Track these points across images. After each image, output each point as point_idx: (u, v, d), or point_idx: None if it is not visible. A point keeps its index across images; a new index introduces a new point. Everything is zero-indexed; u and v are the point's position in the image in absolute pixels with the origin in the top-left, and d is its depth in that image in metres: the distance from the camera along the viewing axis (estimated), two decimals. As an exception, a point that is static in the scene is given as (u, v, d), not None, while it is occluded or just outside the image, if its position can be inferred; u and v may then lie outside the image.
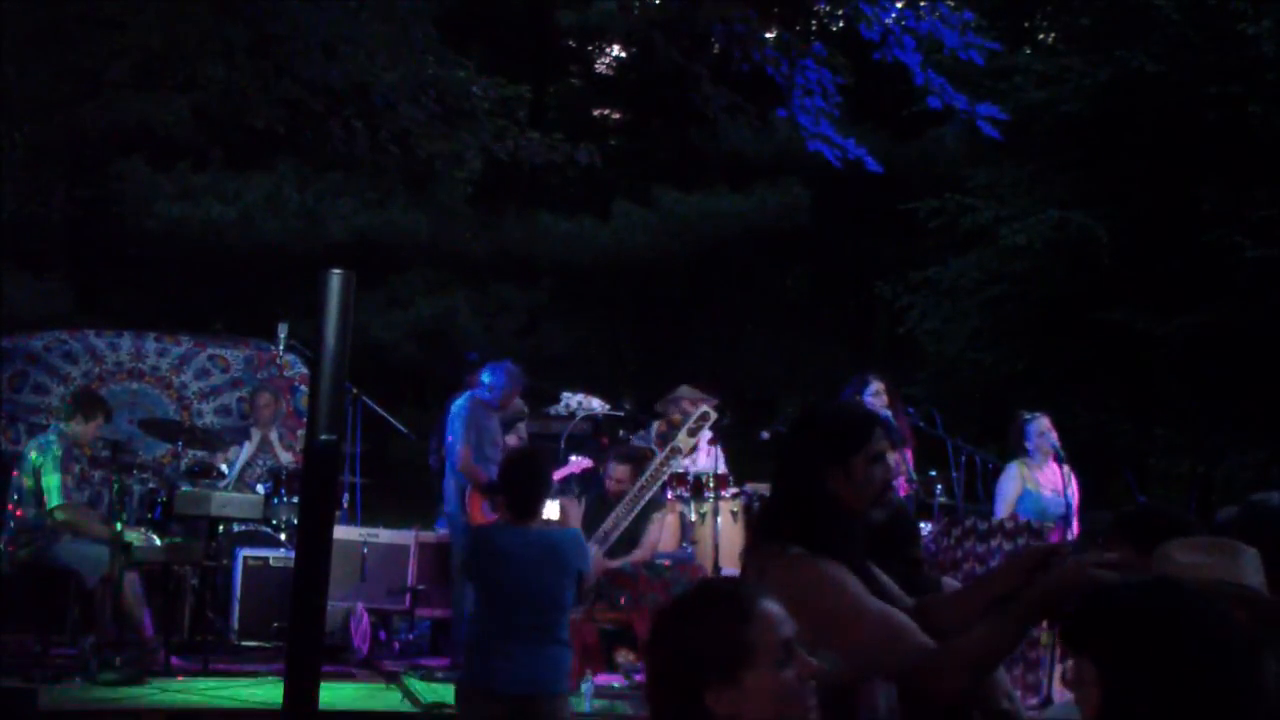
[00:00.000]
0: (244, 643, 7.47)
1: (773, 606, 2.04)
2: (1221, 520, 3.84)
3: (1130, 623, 1.93)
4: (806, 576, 2.57)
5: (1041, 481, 7.25)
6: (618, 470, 7.04)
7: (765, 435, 8.59)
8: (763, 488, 8.30)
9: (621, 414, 9.48)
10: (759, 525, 2.86)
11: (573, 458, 7.91)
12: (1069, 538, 7.01)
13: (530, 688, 4.47)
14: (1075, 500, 7.23)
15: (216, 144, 15.06)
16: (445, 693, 5.77)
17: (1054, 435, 7.21)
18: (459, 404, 7.70)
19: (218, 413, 9.15)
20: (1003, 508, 7.19)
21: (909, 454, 7.15)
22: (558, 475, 7.73)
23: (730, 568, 7.73)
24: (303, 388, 8.83)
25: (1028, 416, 7.34)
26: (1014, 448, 7.42)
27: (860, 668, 2.56)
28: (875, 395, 7.10)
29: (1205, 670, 1.87)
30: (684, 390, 8.17)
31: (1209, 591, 2.44)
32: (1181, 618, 1.91)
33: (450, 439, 7.65)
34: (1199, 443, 13.09)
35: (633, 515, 6.81)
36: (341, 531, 7.12)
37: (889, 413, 7.04)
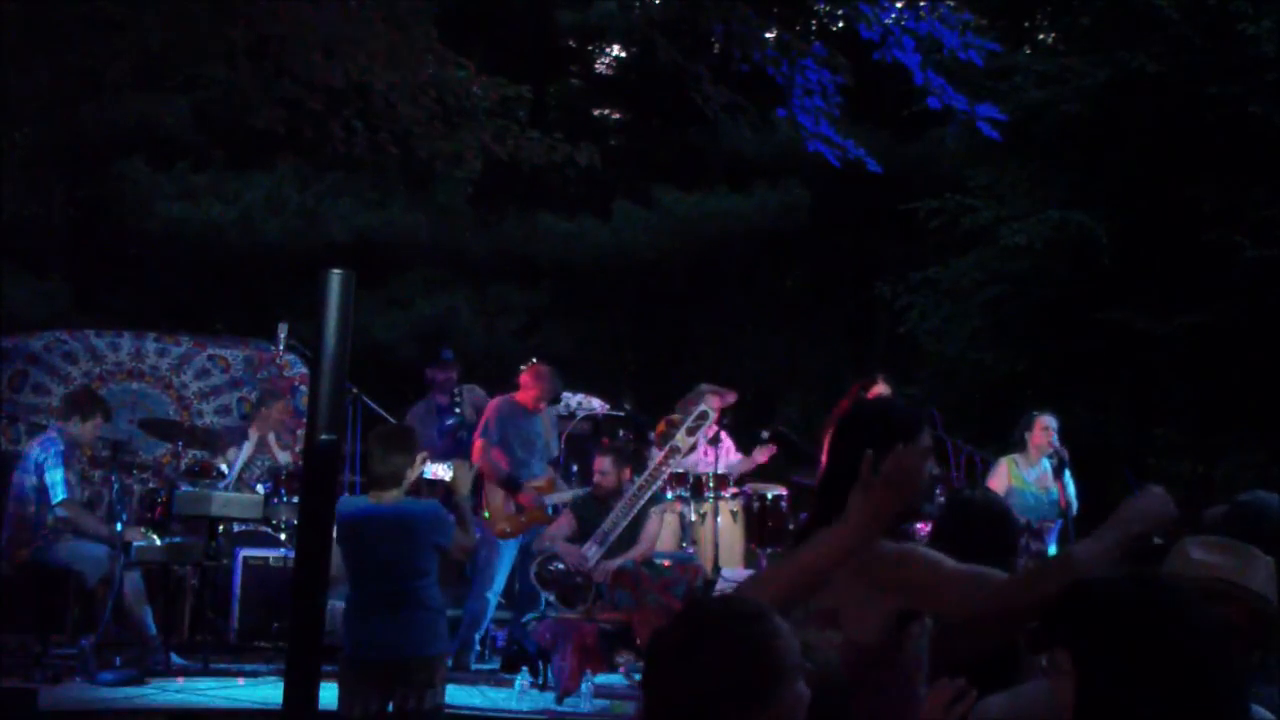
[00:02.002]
0: (244, 643, 7.47)
1: (783, 623, 2.01)
2: (1208, 519, 3.84)
3: (1105, 615, 1.94)
4: (891, 555, 2.74)
5: (1029, 479, 7.25)
6: (599, 463, 7.08)
7: (765, 435, 8.59)
8: (763, 487, 8.31)
9: (621, 414, 9.49)
10: (817, 515, 2.93)
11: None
12: (1069, 537, 7.02)
13: (396, 652, 4.61)
14: (1073, 500, 7.23)
15: (216, 144, 15.09)
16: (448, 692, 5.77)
17: (1056, 437, 7.22)
18: (493, 403, 7.75)
19: (217, 413, 9.15)
20: None
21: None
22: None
23: (730, 568, 7.73)
24: (303, 388, 8.83)
25: (1036, 413, 7.36)
26: (1014, 444, 7.43)
27: (969, 617, 2.74)
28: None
29: (1178, 666, 1.88)
30: (704, 387, 8.17)
31: (1207, 590, 2.46)
32: (1157, 613, 1.93)
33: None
34: (1199, 443, 13.08)
35: (632, 515, 6.81)
36: (341, 531, 7.12)
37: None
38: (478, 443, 7.58)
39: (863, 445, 2.80)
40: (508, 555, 7.55)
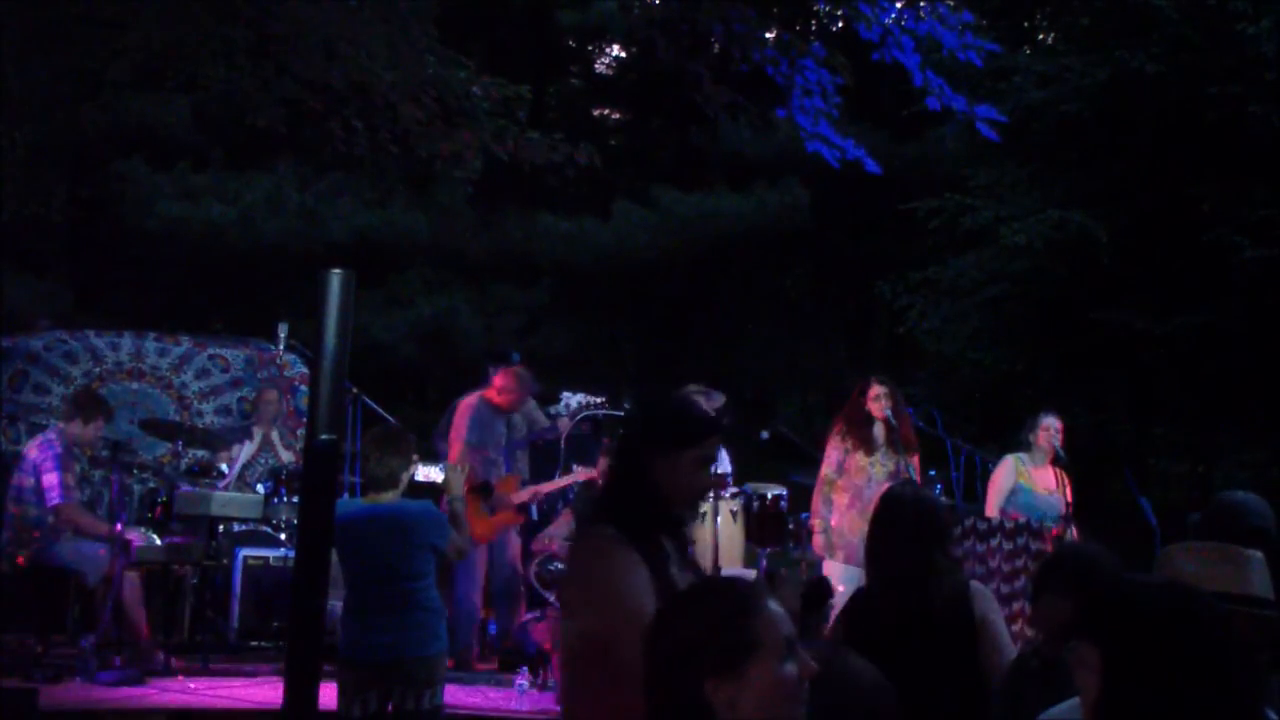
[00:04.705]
0: (244, 643, 7.48)
1: (775, 605, 2.06)
2: (1191, 525, 3.88)
3: (1139, 618, 1.97)
4: (602, 559, 2.67)
5: (1035, 479, 7.25)
6: (601, 464, 7.08)
7: (765, 435, 8.60)
8: (763, 487, 8.31)
9: (621, 414, 9.49)
10: (595, 512, 2.89)
11: (575, 467, 7.86)
12: (1069, 538, 7.01)
13: (395, 653, 4.62)
14: (1070, 502, 7.23)
15: (216, 144, 15.09)
16: (448, 692, 5.77)
17: (1059, 438, 7.21)
18: (466, 403, 7.73)
19: (218, 413, 9.15)
20: (995, 499, 7.20)
21: (915, 460, 7.14)
22: (557, 485, 7.72)
23: (730, 567, 7.73)
24: (303, 388, 8.84)
25: (1042, 414, 7.36)
26: (1020, 444, 7.43)
27: (596, 651, 2.62)
28: (876, 400, 7.07)
29: (1204, 673, 1.91)
30: (691, 388, 8.17)
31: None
32: (1189, 621, 1.96)
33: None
34: (1199, 443, 13.10)
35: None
36: (341, 531, 7.11)
37: (889, 413, 7.03)
38: (455, 446, 7.57)
39: (648, 446, 2.80)
40: (478, 556, 7.56)
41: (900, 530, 3.63)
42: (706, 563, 7.60)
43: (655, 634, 2.09)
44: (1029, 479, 7.26)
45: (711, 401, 7.97)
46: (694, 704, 1.98)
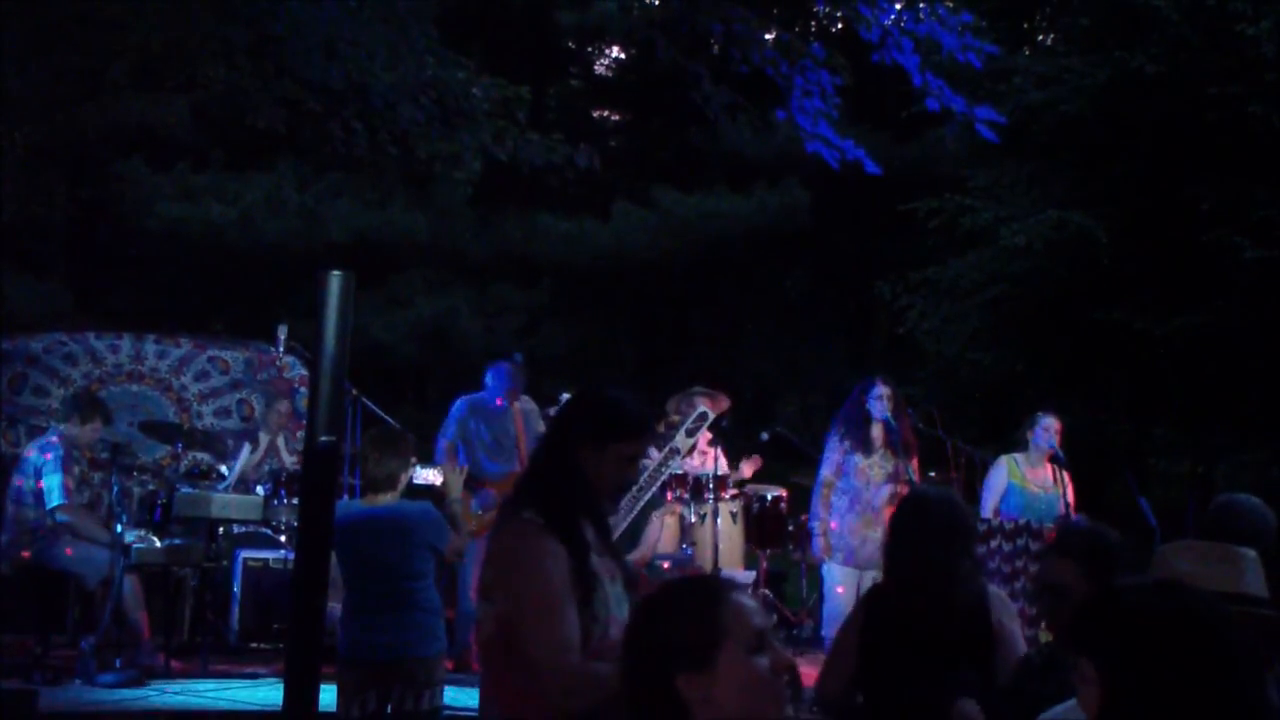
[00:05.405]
0: (244, 644, 7.47)
1: (745, 598, 2.07)
2: (1210, 513, 3.89)
3: (1131, 624, 1.92)
4: (524, 545, 2.71)
5: (1030, 478, 7.23)
6: None
7: (765, 435, 8.59)
8: (763, 489, 8.31)
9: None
10: (516, 498, 2.90)
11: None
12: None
13: (395, 653, 4.63)
14: (1071, 502, 7.21)
15: (216, 144, 15.10)
16: (448, 693, 5.77)
17: (1056, 438, 7.20)
18: (455, 404, 7.76)
19: (217, 415, 9.15)
20: (989, 499, 7.19)
21: (914, 462, 7.13)
22: None
23: (730, 568, 7.73)
24: (303, 389, 8.84)
25: (1040, 414, 7.35)
26: (1018, 443, 7.42)
27: (511, 636, 2.66)
28: (878, 399, 7.06)
29: (1205, 675, 1.86)
30: (697, 389, 8.16)
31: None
32: (1183, 621, 1.90)
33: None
34: (1199, 443, 13.09)
35: (631, 515, 6.80)
36: (341, 532, 7.11)
37: (888, 415, 7.02)
38: (443, 445, 7.61)
39: (580, 436, 2.83)
40: (477, 556, 7.54)
41: (926, 533, 3.59)
42: (706, 564, 7.60)
43: (629, 633, 2.10)
44: (1021, 478, 7.25)
45: (718, 405, 7.96)
46: (667, 701, 1.98)
